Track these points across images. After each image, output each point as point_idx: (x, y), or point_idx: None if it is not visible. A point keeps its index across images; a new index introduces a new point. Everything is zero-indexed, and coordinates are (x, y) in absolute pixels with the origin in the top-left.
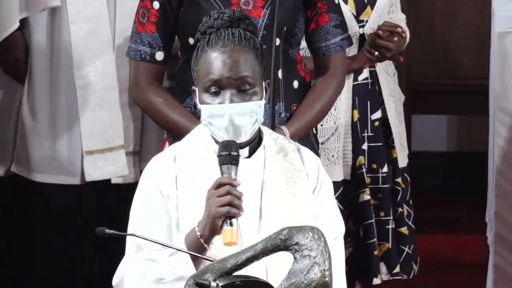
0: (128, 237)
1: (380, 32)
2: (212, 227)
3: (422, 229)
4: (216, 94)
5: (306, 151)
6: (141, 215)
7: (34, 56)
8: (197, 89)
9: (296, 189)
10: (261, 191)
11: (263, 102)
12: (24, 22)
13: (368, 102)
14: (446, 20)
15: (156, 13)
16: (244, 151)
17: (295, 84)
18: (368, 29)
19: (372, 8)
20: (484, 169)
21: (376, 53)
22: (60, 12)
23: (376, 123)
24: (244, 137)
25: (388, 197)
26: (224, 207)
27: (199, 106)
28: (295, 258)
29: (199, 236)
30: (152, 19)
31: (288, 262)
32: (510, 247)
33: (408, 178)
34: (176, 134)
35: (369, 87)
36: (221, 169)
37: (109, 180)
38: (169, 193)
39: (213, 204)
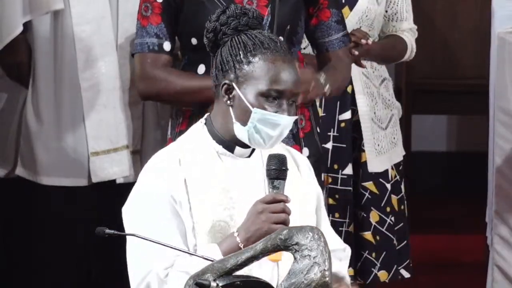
0: (144, 243)
1: None
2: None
3: (422, 229)
4: (274, 101)
5: (297, 155)
6: (155, 220)
7: (38, 59)
8: (234, 83)
9: (293, 191)
10: (264, 190)
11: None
12: (27, 26)
13: (338, 102)
14: (446, 20)
15: (160, 5)
16: (246, 152)
17: None
18: None
19: (351, 9)
20: (484, 169)
21: None
22: (63, 14)
23: (343, 124)
24: (267, 146)
25: (348, 200)
26: (279, 225)
27: (246, 103)
28: (295, 258)
29: (241, 246)
30: (156, 11)
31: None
32: (510, 247)
33: (387, 185)
34: (195, 99)
35: None
36: (272, 183)
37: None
38: (181, 199)
39: (267, 219)
